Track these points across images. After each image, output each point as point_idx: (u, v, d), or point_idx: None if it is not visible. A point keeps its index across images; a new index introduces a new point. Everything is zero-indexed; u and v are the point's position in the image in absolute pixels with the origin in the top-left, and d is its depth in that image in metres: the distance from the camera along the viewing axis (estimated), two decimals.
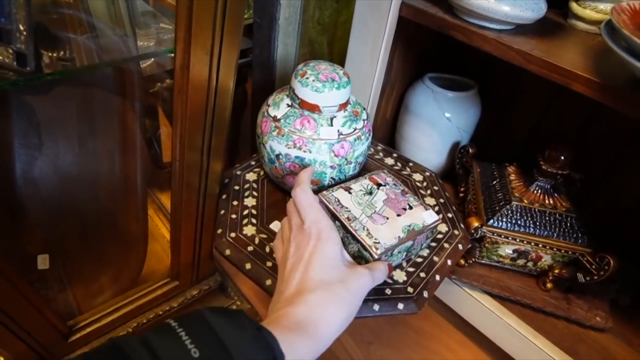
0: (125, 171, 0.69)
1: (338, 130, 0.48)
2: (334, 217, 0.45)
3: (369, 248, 0.41)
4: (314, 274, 0.35)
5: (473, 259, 0.69)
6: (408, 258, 0.49)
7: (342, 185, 0.48)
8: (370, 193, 0.47)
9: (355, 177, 0.55)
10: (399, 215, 0.45)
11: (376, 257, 0.41)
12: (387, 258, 0.44)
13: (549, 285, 0.67)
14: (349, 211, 0.44)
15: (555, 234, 0.63)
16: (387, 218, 0.44)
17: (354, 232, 0.42)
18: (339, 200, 0.45)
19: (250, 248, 0.48)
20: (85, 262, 0.71)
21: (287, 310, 0.32)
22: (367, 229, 0.42)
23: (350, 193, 0.46)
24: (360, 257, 0.43)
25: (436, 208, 0.57)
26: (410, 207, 0.46)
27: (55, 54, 0.55)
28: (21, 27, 0.37)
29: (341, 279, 0.35)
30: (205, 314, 0.27)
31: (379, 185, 0.48)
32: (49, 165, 0.63)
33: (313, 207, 0.40)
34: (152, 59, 0.76)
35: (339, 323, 0.33)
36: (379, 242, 0.41)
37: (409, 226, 0.44)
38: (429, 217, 0.46)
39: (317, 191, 0.47)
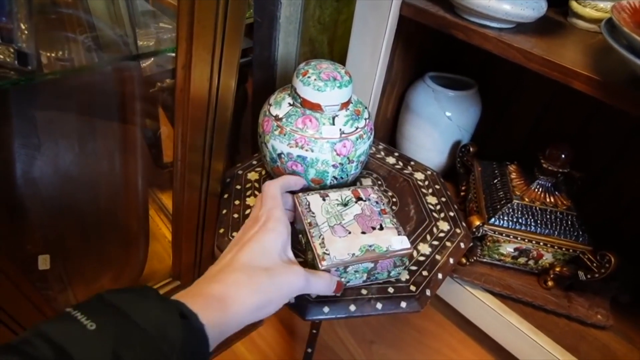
0: (126, 171, 0.69)
1: (340, 129, 0.48)
2: (300, 219, 0.44)
3: (316, 257, 0.40)
4: (243, 257, 0.34)
5: (474, 258, 0.69)
6: (371, 282, 0.45)
7: (322, 191, 0.47)
8: (345, 205, 0.45)
9: (356, 176, 0.55)
10: (363, 232, 0.42)
11: (322, 268, 0.39)
12: (340, 274, 0.42)
13: (550, 283, 0.67)
14: (314, 217, 0.43)
15: (556, 232, 0.64)
16: (350, 232, 0.42)
17: (310, 238, 0.41)
18: (309, 204, 0.44)
19: None
20: (86, 262, 0.71)
21: (202, 285, 0.32)
22: (323, 238, 0.41)
23: (324, 200, 0.45)
24: (313, 266, 0.41)
25: (438, 207, 0.57)
26: (381, 228, 0.43)
27: (54, 54, 0.55)
28: (22, 26, 0.37)
29: (268, 268, 0.34)
30: (102, 293, 0.27)
31: (358, 199, 0.46)
32: (49, 165, 0.63)
33: (273, 199, 0.41)
34: (152, 59, 0.76)
35: (250, 307, 0.32)
36: (328, 254, 0.40)
37: (370, 246, 0.41)
38: (398, 242, 0.42)
39: (309, 190, 0.48)
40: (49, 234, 0.66)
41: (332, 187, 0.51)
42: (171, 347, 0.25)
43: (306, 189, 0.49)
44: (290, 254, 0.39)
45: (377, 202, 0.46)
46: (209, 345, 0.28)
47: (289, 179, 0.47)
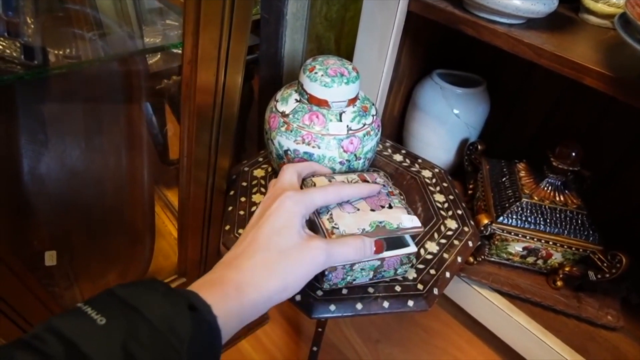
0: (132, 167, 0.69)
1: (347, 126, 0.48)
2: None
3: (325, 232, 0.37)
4: (259, 240, 0.33)
5: (482, 257, 0.68)
6: (378, 280, 0.44)
7: (328, 174, 0.45)
8: None
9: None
10: (372, 210, 0.40)
11: None
12: (346, 272, 0.41)
13: (559, 283, 0.66)
14: None
15: (566, 231, 0.63)
16: (358, 209, 0.40)
17: (316, 215, 0.39)
18: (314, 185, 0.42)
19: None
20: (92, 259, 0.71)
21: (221, 272, 0.32)
22: (331, 214, 0.38)
23: (330, 182, 0.43)
24: None
25: (445, 204, 0.56)
26: (390, 207, 0.41)
27: (62, 51, 0.55)
28: (29, 20, 0.37)
29: (285, 249, 0.33)
30: (113, 288, 0.27)
31: (364, 181, 0.44)
32: (55, 161, 0.63)
33: (289, 181, 0.40)
34: (159, 56, 0.76)
35: (269, 292, 0.31)
36: (337, 228, 0.37)
37: (380, 222, 0.39)
38: (409, 220, 0.40)
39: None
40: (56, 231, 0.66)
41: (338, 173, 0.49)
42: (180, 340, 0.25)
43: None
44: (309, 231, 0.37)
45: (384, 185, 0.44)
46: (220, 337, 0.28)
47: (311, 165, 0.45)
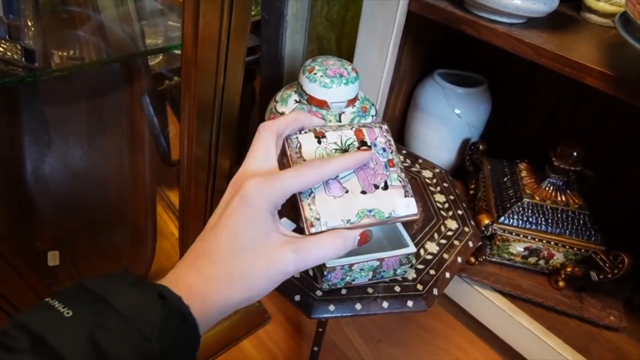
0: (134, 168, 0.69)
1: None
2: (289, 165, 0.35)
3: (303, 221, 0.33)
4: (221, 244, 0.30)
5: (483, 257, 0.68)
6: (377, 280, 0.43)
7: (320, 127, 0.37)
8: (346, 151, 0.36)
9: None
10: (363, 192, 0.34)
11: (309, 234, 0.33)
12: (345, 272, 0.39)
13: (561, 283, 0.66)
14: None
15: (567, 232, 0.62)
16: (347, 191, 0.34)
17: (297, 195, 0.33)
18: (299, 147, 0.35)
19: None
20: (94, 259, 0.72)
21: (182, 273, 0.29)
22: (314, 197, 0.33)
23: (320, 143, 0.36)
24: (302, 231, 0.34)
25: (446, 205, 0.56)
26: (386, 187, 0.35)
27: (63, 53, 0.56)
28: (29, 23, 0.37)
29: (248, 255, 0.29)
30: (83, 281, 0.26)
31: (362, 143, 0.36)
32: (59, 162, 0.64)
33: (265, 144, 0.33)
34: (161, 57, 0.76)
35: (235, 300, 0.29)
36: (319, 219, 0.33)
37: (370, 211, 0.34)
38: (403, 207, 0.35)
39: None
40: (59, 231, 0.67)
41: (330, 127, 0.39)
42: (150, 328, 0.24)
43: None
44: (280, 226, 0.32)
45: (384, 150, 0.37)
46: (196, 327, 0.27)
47: (296, 117, 0.36)
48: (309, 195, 0.33)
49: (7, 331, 0.23)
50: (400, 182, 0.36)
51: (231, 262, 0.29)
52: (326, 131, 0.36)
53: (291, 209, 0.35)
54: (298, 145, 0.35)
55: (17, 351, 0.22)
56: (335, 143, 0.36)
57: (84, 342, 0.23)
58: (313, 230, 0.33)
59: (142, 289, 0.26)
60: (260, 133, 0.34)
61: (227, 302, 0.29)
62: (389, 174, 0.36)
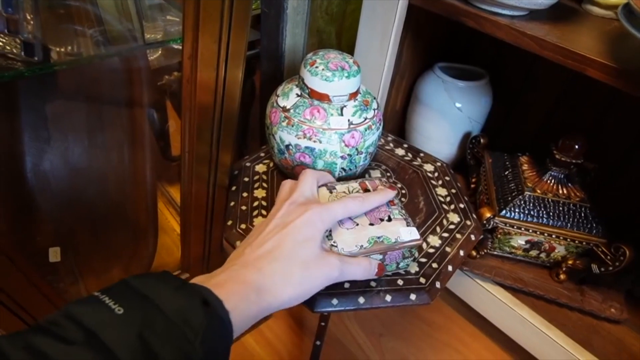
0: (135, 164, 0.69)
1: (348, 120, 0.47)
2: None
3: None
4: (285, 247, 0.35)
5: (485, 251, 0.68)
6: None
7: (329, 183, 0.45)
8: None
9: (365, 168, 0.55)
10: (371, 224, 0.41)
11: None
12: None
13: (562, 276, 0.66)
14: None
15: (569, 225, 0.62)
16: (357, 224, 0.41)
17: None
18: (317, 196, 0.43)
19: None
20: (95, 255, 0.72)
21: (241, 269, 0.33)
22: (330, 231, 0.40)
23: (331, 192, 0.43)
24: None
25: (447, 198, 0.56)
26: (389, 220, 0.42)
27: (62, 48, 0.55)
28: (28, 17, 0.37)
29: (305, 261, 0.35)
30: (127, 279, 0.27)
31: (366, 191, 0.44)
32: (59, 158, 0.63)
33: (311, 187, 0.42)
34: (160, 52, 0.76)
35: (283, 300, 0.33)
36: (336, 246, 0.39)
37: (379, 238, 0.40)
38: (407, 234, 0.41)
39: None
40: (59, 227, 0.67)
41: (339, 179, 0.50)
42: (194, 332, 0.25)
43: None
44: (325, 244, 0.39)
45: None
46: (232, 332, 0.29)
47: (325, 175, 0.46)
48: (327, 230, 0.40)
49: (58, 321, 0.24)
50: (402, 216, 0.43)
51: (291, 264, 0.34)
52: (335, 185, 0.45)
53: None
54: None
55: (73, 343, 0.23)
56: (344, 192, 0.44)
57: (134, 340, 0.23)
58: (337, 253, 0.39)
59: (187, 293, 0.28)
60: (305, 174, 0.42)
61: (277, 299, 0.33)
62: (391, 210, 0.43)
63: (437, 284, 0.45)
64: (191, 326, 0.25)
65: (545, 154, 0.65)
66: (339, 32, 0.76)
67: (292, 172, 0.52)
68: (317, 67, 0.46)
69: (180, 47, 0.42)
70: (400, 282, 0.44)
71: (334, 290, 0.42)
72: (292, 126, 0.47)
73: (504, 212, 0.63)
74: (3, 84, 0.52)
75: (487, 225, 0.63)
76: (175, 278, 0.29)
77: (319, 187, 0.44)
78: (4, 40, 0.37)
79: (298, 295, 0.34)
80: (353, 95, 0.48)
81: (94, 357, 0.22)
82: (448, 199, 0.56)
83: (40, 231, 0.65)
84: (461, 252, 0.49)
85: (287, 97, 0.49)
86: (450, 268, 0.47)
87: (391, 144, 0.64)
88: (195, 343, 0.25)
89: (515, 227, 0.64)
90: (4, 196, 0.61)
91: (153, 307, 0.25)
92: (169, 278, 0.29)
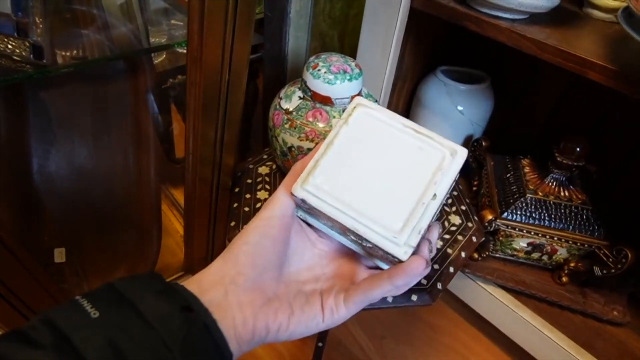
0: (139, 166, 0.70)
1: None
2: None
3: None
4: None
5: (487, 253, 0.68)
6: None
7: None
8: None
9: None
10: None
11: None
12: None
13: (564, 279, 0.66)
14: None
15: (571, 227, 0.63)
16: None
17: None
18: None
19: None
20: (100, 256, 0.72)
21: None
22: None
23: None
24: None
25: (449, 200, 0.56)
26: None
27: (70, 51, 0.56)
28: (37, 20, 0.38)
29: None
30: (114, 281, 0.27)
31: None
32: (64, 159, 0.64)
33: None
34: (165, 55, 0.76)
35: (293, 337, 0.31)
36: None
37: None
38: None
39: None
40: (65, 228, 0.67)
41: None
42: (173, 338, 0.24)
43: None
44: None
45: None
46: (221, 337, 0.27)
47: None
48: None
49: (35, 325, 0.23)
50: None
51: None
52: None
53: None
54: None
55: (42, 347, 0.22)
56: None
57: (104, 344, 0.23)
58: None
59: (170, 296, 0.26)
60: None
61: (286, 337, 0.30)
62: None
63: (439, 285, 0.45)
64: (170, 331, 0.24)
65: (547, 157, 0.66)
66: (341, 36, 0.77)
67: None
68: (319, 70, 0.47)
69: (185, 51, 0.43)
70: None
71: None
72: (295, 128, 0.48)
73: (505, 214, 0.64)
74: (11, 86, 0.53)
75: (488, 228, 0.64)
76: (162, 281, 0.28)
77: None
78: (13, 44, 0.38)
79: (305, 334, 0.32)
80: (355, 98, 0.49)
81: None
82: (449, 201, 0.56)
83: (46, 232, 0.66)
84: (463, 254, 0.50)
85: (290, 99, 0.50)
86: (451, 269, 0.47)
87: None
88: (174, 349, 0.24)
89: (517, 229, 0.64)
90: (10, 196, 0.61)
91: (131, 310, 0.25)
92: (156, 281, 0.27)
